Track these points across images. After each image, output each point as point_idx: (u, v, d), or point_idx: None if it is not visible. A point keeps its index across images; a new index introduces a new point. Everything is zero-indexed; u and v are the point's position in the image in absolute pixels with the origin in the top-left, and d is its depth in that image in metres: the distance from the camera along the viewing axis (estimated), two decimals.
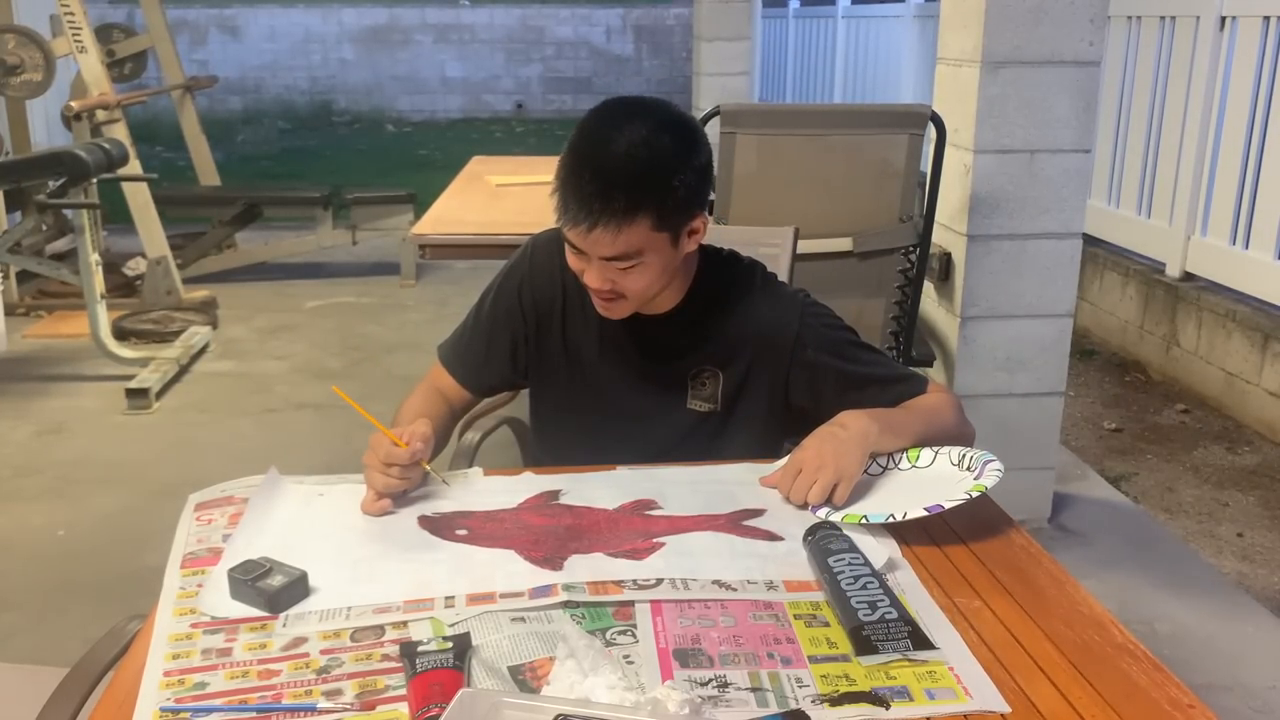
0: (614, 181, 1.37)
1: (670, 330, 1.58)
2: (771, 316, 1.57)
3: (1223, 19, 4.19)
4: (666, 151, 1.40)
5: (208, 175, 6.25)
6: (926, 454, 1.45)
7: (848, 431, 1.40)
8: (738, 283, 1.60)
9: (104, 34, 5.68)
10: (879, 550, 1.25)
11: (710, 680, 1.01)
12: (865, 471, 1.42)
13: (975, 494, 1.30)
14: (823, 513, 1.34)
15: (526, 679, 1.01)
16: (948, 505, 1.28)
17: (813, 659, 1.05)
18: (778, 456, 1.53)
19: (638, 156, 1.38)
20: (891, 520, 1.29)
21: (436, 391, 1.66)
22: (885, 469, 1.45)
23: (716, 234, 1.67)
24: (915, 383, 1.57)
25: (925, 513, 1.28)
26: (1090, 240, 4.66)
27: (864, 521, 1.29)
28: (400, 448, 1.36)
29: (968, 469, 1.40)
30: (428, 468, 1.39)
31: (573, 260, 1.48)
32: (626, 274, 1.43)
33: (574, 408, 1.66)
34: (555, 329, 1.62)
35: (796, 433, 1.50)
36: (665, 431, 1.61)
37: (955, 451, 1.44)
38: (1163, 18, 4.58)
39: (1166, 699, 1.00)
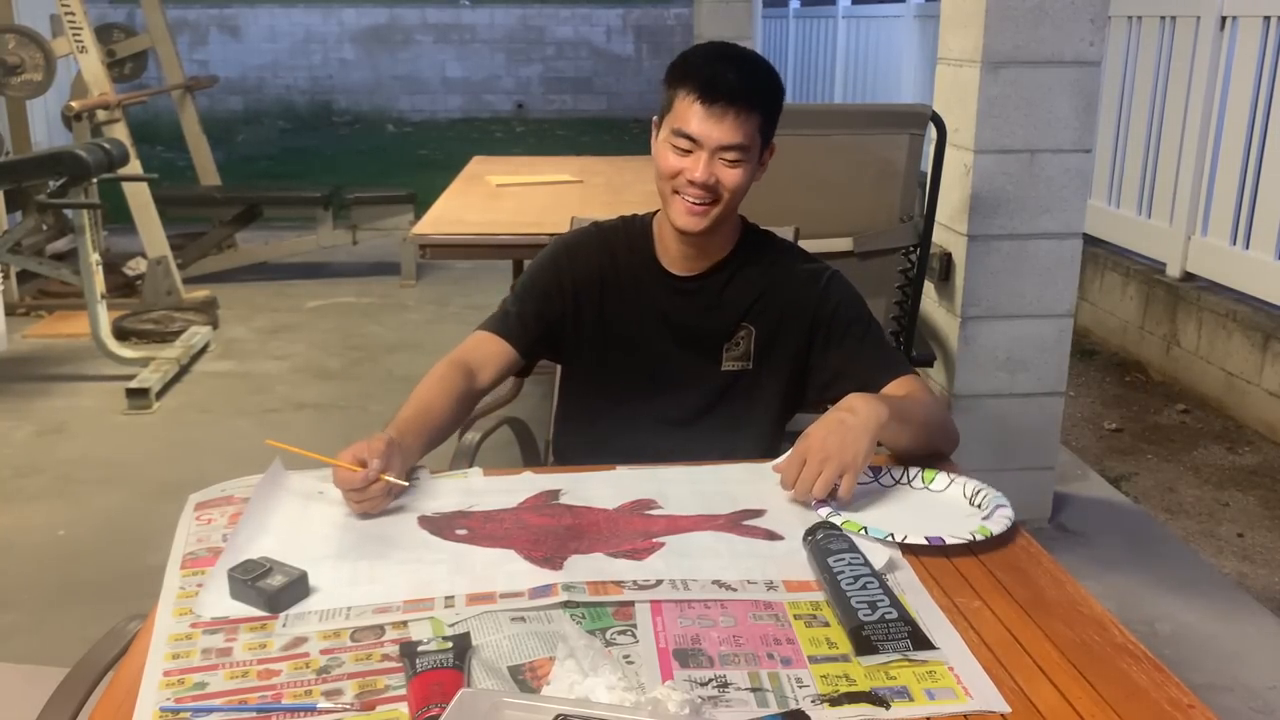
0: (755, 73, 1.56)
1: (708, 291, 1.67)
2: (803, 275, 1.69)
3: (1223, 19, 4.19)
4: (774, 72, 1.60)
5: (208, 175, 6.24)
6: (942, 479, 1.45)
7: (856, 417, 1.40)
8: (774, 249, 1.72)
9: (104, 34, 5.67)
10: (879, 550, 1.25)
11: (710, 680, 1.01)
12: (878, 481, 1.42)
13: (979, 537, 1.29)
14: (824, 512, 1.34)
15: (526, 679, 1.01)
16: (949, 540, 1.27)
17: (813, 659, 1.05)
18: (801, 409, 1.66)
19: (763, 64, 1.59)
20: (890, 540, 1.28)
21: (459, 367, 1.63)
22: (898, 482, 1.45)
23: None
24: (904, 368, 1.66)
25: (925, 541, 1.27)
26: (1090, 240, 4.66)
27: (863, 533, 1.29)
28: (355, 472, 1.33)
29: (978, 506, 1.39)
30: (387, 478, 1.34)
31: (675, 160, 1.55)
32: (730, 169, 1.55)
33: (609, 383, 1.73)
34: (593, 309, 1.69)
35: (808, 398, 1.67)
36: (699, 395, 1.70)
37: (970, 485, 1.43)
38: (1163, 18, 4.58)
39: (1166, 699, 1.00)
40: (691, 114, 1.52)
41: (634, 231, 1.72)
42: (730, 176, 1.55)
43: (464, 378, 1.61)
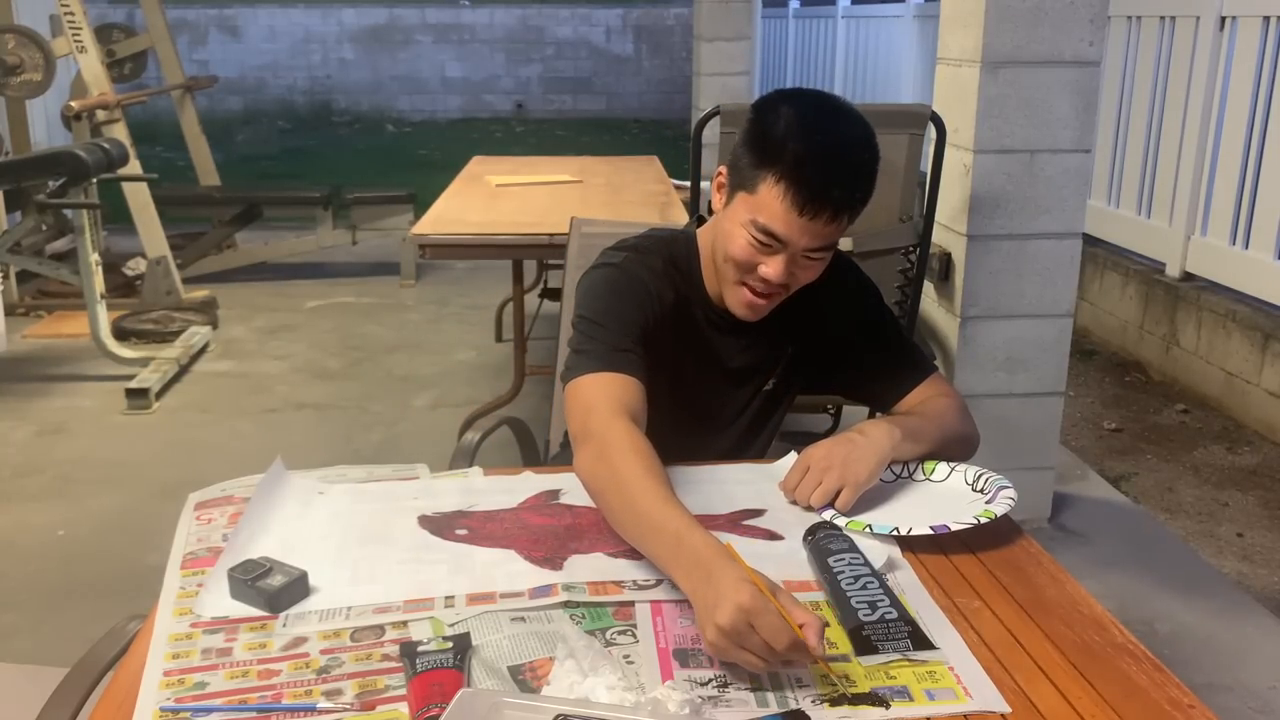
0: (864, 174, 1.39)
1: (752, 327, 1.54)
2: (835, 286, 1.57)
3: (1223, 19, 4.19)
4: (877, 153, 1.42)
5: (208, 175, 6.24)
6: (942, 468, 1.45)
7: (865, 438, 1.38)
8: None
9: (104, 34, 5.67)
10: (879, 550, 1.25)
11: (710, 680, 1.01)
12: (879, 478, 1.42)
13: (984, 520, 1.29)
14: (827, 514, 1.33)
15: (526, 679, 1.01)
16: (954, 527, 1.27)
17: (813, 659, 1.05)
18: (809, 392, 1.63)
19: (873, 151, 1.40)
20: (895, 534, 1.28)
21: (632, 416, 1.33)
22: (899, 477, 1.44)
23: None
24: (928, 367, 1.61)
25: (930, 531, 1.27)
26: (1090, 240, 4.66)
27: (868, 530, 1.29)
28: (800, 638, 0.98)
29: (980, 491, 1.39)
30: (826, 667, 1.01)
31: (751, 253, 1.40)
32: (810, 265, 1.43)
33: (658, 415, 1.42)
34: (668, 335, 1.50)
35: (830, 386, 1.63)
36: (740, 421, 1.63)
37: (971, 471, 1.43)
38: (1163, 18, 4.58)
39: (1166, 699, 1.00)
40: (782, 215, 1.35)
41: (680, 258, 1.54)
42: (809, 274, 1.43)
43: (640, 422, 1.34)
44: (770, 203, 1.36)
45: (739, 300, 1.46)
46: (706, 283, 1.55)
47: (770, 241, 1.38)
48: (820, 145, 1.35)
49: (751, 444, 1.67)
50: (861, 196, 1.40)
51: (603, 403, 1.33)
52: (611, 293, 1.46)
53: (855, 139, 1.39)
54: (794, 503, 1.38)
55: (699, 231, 1.59)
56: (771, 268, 1.40)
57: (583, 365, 1.39)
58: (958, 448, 1.50)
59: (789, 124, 1.36)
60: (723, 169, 1.47)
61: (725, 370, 1.59)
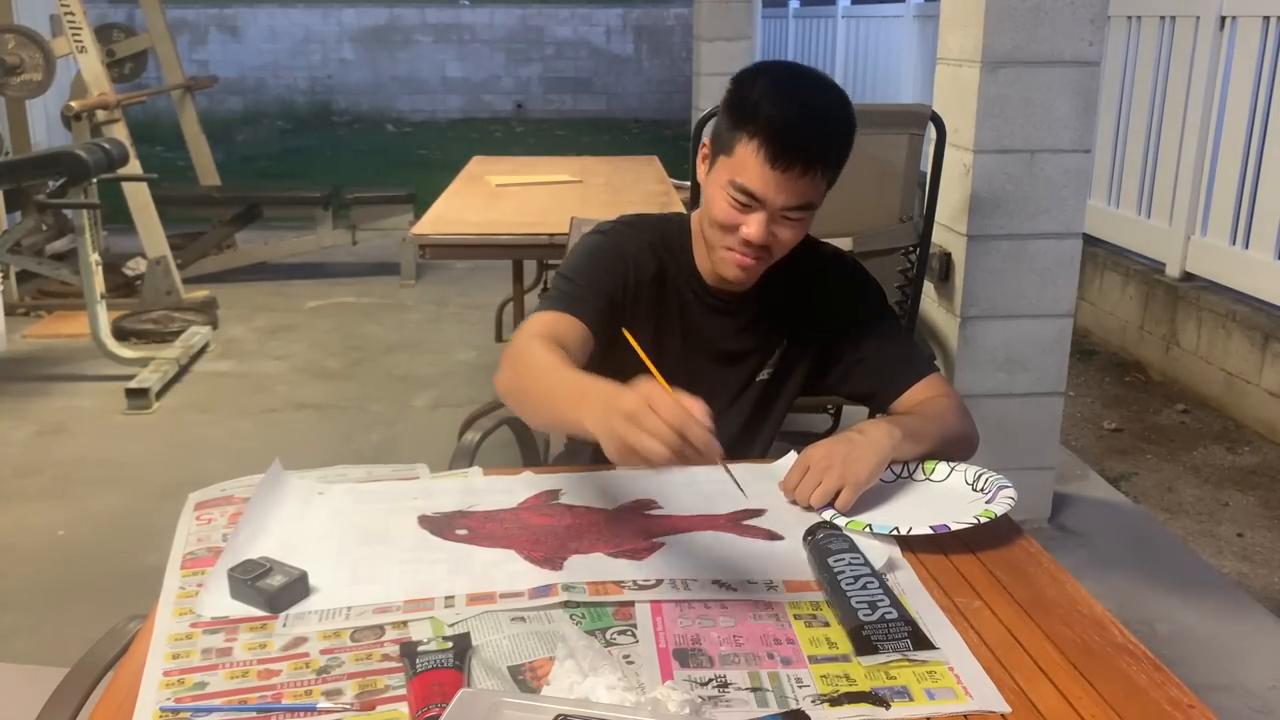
0: (834, 131, 1.43)
1: (747, 310, 1.59)
2: (832, 278, 1.62)
3: (1223, 19, 4.19)
4: (850, 113, 1.46)
5: (208, 175, 6.25)
6: (942, 468, 1.45)
7: (865, 438, 1.38)
8: (815, 255, 1.63)
9: (104, 34, 5.68)
10: (879, 550, 1.25)
11: (710, 680, 1.01)
12: (879, 478, 1.41)
13: (984, 519, 1.29)
14: (827, 514, 1.33)
15: (526, 679, 1.01)
16: (954, 527, 1.27)
17: (813, 659, 1.05)
18: (808, 394, 1.64)
19: (845, 112, 1.45)
20: (895, 534, 1.28)
21: (554, 344, 1.39)
22: (899, 476, 1.44)
23: None
24: (928, 366, 1.61)
25: (931, 531, 1.27)
26: (1090, 240, 4.66)
27: (868, 530, 1.29)
28: (694, 416, 1.05)
29: (980, 490, 1.39)
30: (724, 465, 1.12)
31: (733, 214, 1.44)
32: (789, 225, 1.45)
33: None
34: (645, 308, 1.56)
35: (827, 386, 1.64)
36: (730, 410, 1.63)
37: (971, 471, 1.43)
38: (1163, 18, 4.58)
39: (1166, 699, 1.00)
40: (757, 171, 1.39)
41: (672, 236, 1.59)
42: (790, 234, 1.46)
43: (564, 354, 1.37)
44: (746, 161, 1.40)
45: (728, 264, 1.49)
46: (698, 261, 1.58)
47: (749, 201, 1.42)
48: (790, 102, 1.41)
49: (750, 441, 1.67)
50: (835, 153, 1.44)
51: (531, 327, 1.43)
52: (587, 255, 1.56)
53: (826, 99, 1.44)
54: (794, 502, 1.38)
55: (693, 215, 1.62)
56: (752, 228, 1.44)
57: (538, 309, 1.49)
58: (957, 448, 1.50)
59: (763, 88, 1.42)
60: (707, 140, 1.52)
61: (717, 351, 1.61)
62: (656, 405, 1.05)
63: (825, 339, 1.62)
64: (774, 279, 1.57)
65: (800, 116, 1.40)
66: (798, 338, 1.63)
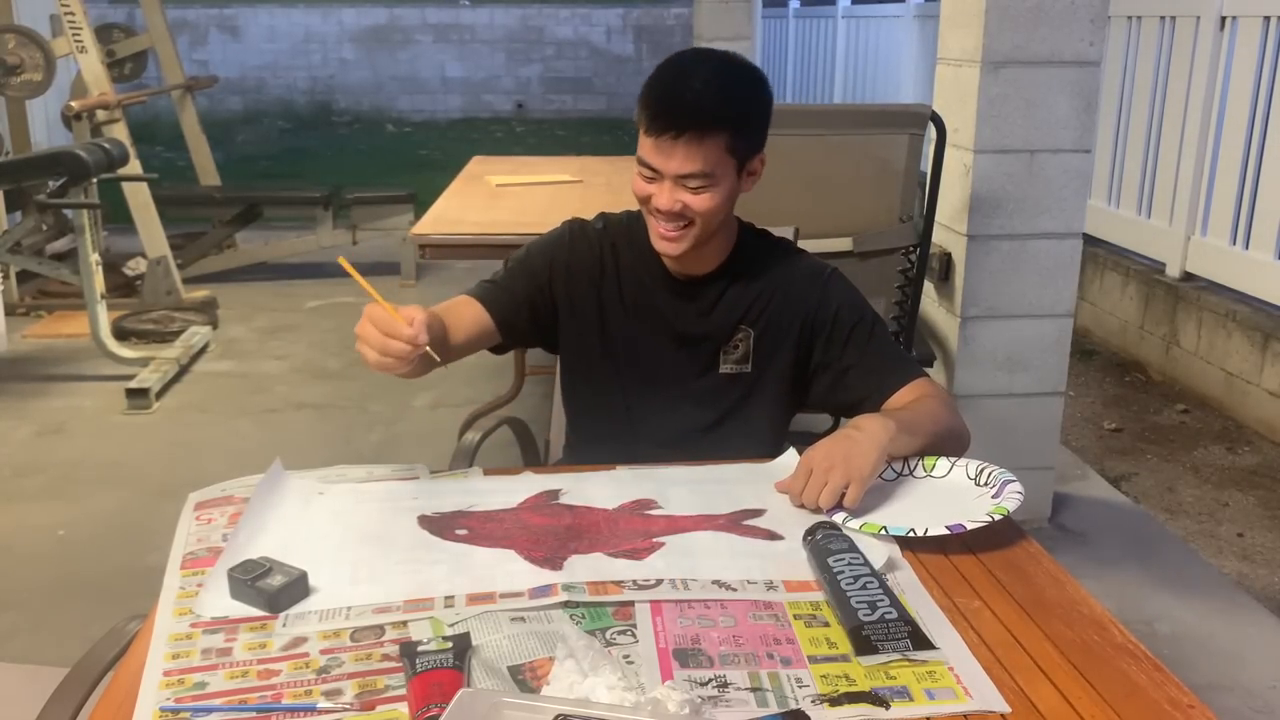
0: (703, 95, 1.46)
1: (707, 295, 1.64)
2: (802, 278, 1.66)
3: (1223, 19, 4.20)
4: (744, 81, 1.52)
5: (208, 175, 6.25)
6: (943, 464, 1.45)
7: (862, 433, 1.39)
8: (773, 251, 1.68)
9: (104, 34, 5.67)
10: (879, 550, 1.25)
11: (710, 680, 1.01)
12: (880, 476, 1.41)
13: (997, 516, 1.28)
14: (839, 517, 1.32)
15: (526, 679, 1.01)
16: (970, 526, 1.27)
17: (813, 659, 1.05)
18: (804, 409, 1.68)
19: (723, 78, 1.49)
20: (911, 535, 1.27)
21: (456, 312, 1.60)
22: (900, 474, 1.44)
23: None
24: (915, 369, 1.63)
25: (947, 531, 1.26)
26: (1090, 240, 4.66)
27: (883, 533, 1.28)
28: (399, 321, 1.33)
29: (985, 484, 1.39)
30: (427, 349, 1.36)
31: (644, 186, 1.52)
32: (696, 195, 1.49)
33: (607, 382, 1.68)
34: (590, 303, 1.65)
35: (812, 399, 1.66)
36: (697, 398, 1.66)
37: (972, 465, 1.43)
38: (1163, 18, 4.59)
39: (1166, 699, 1.00)
40: (647, 142, 1.48)
41: (637, 227, 1.64)
42: (699, 202, 1.49)
43: (440, 327, 1.51)
44: (640, 137, 1.50)
45: (655, 236, 1.56)
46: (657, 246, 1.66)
47: (650, 174, 1.50)
48: (666, 72, 1.51)
49: (731, 437, 1.66)
50: (711, 116, 1.45)
51: (435, 306, 1.53)
52: (534, 245, 1.70)
53: (704, 67, 1.49)
54: (801, 506, 1.37)
55: None
56: (659, 198, 1.50)
57: (473, 289, 1.66)
58: (951, 443, 1.51)
59: (656, 69, 1.52)
60: None
61: (673, 332, 1.65)
62: (373, 320, 1.35)
63: (807, 344, 1.64)
64: (737, 268, 1.64)
65: (671, 83, 1.48)
66: (767, 332, 1.64)
